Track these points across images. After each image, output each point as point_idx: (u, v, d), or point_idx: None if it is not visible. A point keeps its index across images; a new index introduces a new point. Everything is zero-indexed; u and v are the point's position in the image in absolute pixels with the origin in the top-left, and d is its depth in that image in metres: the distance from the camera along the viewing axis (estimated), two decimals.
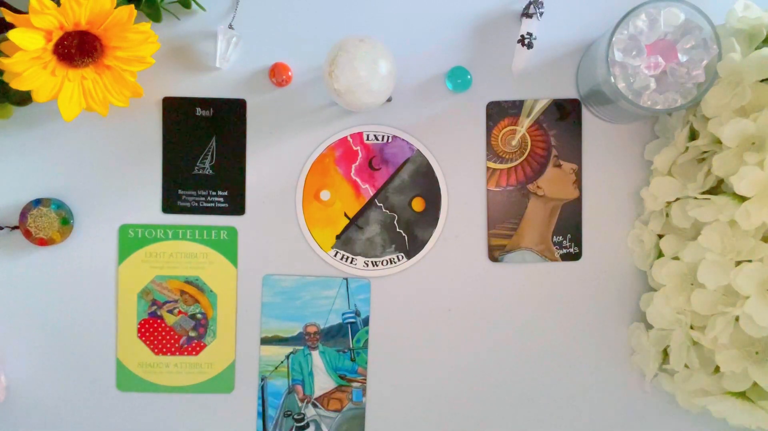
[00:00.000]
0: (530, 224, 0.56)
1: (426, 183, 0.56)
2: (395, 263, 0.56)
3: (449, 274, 0.56)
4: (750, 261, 0.45)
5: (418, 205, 0.56)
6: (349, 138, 0.56)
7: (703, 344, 0.48)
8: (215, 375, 0.57)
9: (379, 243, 0.56)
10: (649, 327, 0.54)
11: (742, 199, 0.45)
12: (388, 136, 0.56)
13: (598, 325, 0.57)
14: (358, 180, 0.56)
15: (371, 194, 0.56)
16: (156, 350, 0.57)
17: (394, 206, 0.56)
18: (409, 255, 0.56)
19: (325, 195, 0.56)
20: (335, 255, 0.56)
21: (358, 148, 0.56)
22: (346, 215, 0.56)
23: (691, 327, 0.49)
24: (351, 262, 0.56)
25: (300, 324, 0.57)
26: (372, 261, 0.56)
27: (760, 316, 0.44)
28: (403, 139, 0.56)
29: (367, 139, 0.56)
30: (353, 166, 0.56)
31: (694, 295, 0.48)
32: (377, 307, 0.57)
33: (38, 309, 0.56)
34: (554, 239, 0.56)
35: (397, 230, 0.56)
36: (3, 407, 0.57)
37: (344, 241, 0.56)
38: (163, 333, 0.57)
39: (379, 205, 0.56)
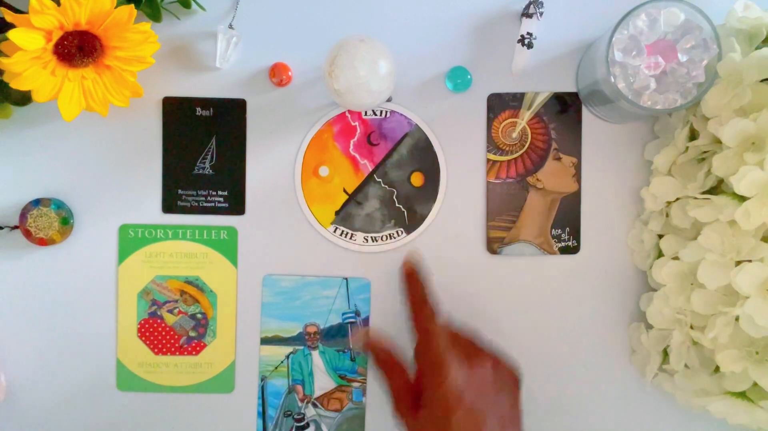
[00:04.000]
0: (529, 216, 0.56)
1: (425, 157, 0.56)
2: (395, 238, 0.56)
3: (448, 266, 0.56)
4: (750, 261, 0.45)
5: (417, 179, 0.56)
6: (347, 113, 0.56)
7: (703, 344, 0.48)
8: (215, 375, 0.57)
9: (379, 219, 0.56)
10: (649, 327, 0.54)
11: (742, 198, 0.45)
12: (386, 111, 0.56)
13: (597, 324, 0.57)
14: (356, 155, 0.56)
15: (370, 169, 0.56)
16: (156, 350, 0.57)
17: (393, 181, 0.56)
18: (409, 230, 0.56)
19: (323, 171, 0.56)
20: (335, 231, 0.56)
21: (357, 123, 0.56)
22: (345, 191, 0.56)
23: (691, 327, 0.49)
24: (350, 238, 0.56)
25: (300, 324, 0.57)
26: (371, 237, 0.56)
27: (760, 316, 0.44)
28: (401, 114, 0.56)
29: (365, 114, 0.56)
30: (351, 142, 0.56)
31: (694, 295, 0.48)
32: (377, 307, 0.57)
33: (38, 309, 0.56)
34: (553, 232, 0.56)
35: (396, 205, 0.56)
36: (3, 407, 0.57)
37: (343, 217, 0.56)
38: (163, 333, 0.57)
39: (378, 180, 0.56)
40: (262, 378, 0.57)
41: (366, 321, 0.57)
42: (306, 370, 0.57)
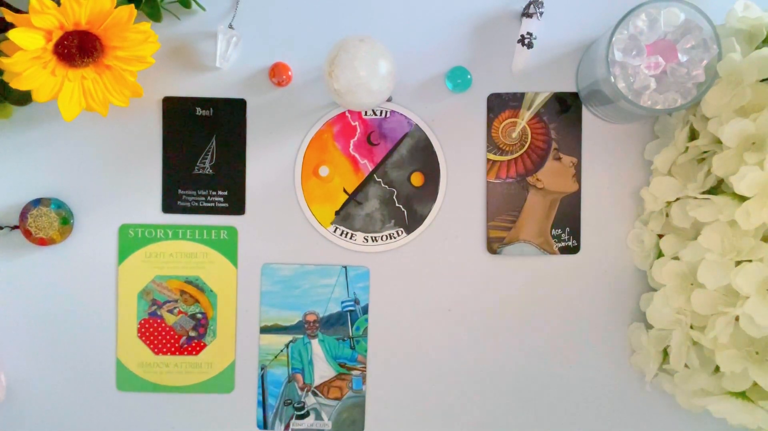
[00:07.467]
0: (529, 216, 0.56)
1: (425, 157, 0.56)
2: (395, 238, 0.56)
3: (447, 266, 0.56)
4: (750, 261, 0.45)
5: (417, 179, 0.56)
6: (347, 113, 0.56)
7: (703, 344, 0.48)
8: (215, 375, 0.57)
9: (379, 219, 0.56)
10: (649, 327, 0.54)
11: (742, 198, 0.45)
12: (386, 111, 0.56)
13: (597, 324, 0.57)
14: (356, 155, 0.56)
15: (370, 169, 0.56)
16: (156, 350, 0.57)
17: (393, 181, 0.56)
18: (409, 230, 0.56)
19: (323, 171, 0.56)
20: (335, 231, 0.56)
21: (357, 123, 0.56)
22: (345, 191, 0.56)
23: (691, 327, 0.49)
24: (350, 238, 0.56)
25: (299, 312, 0.57)
26: (371, 237, 0.56)
27: (760, 316, 0.44)
28: (401, 114, 0.56)
29: (365, 114, 0.56)
30: (351, 142, 0.56)
31: (694, 295, 0.48)
32: (376, 295, 0.57)
33: (38, 310, 0.56)
34: (553, 232, 0.56)
35: (396, 205, 0.56)
36: (3, 407, 0.57)
37: (343, 217, 0.56)
38: (163, 333, 0.57)
39: (378, 180, 0.56)
40: (262, 368, 0.57)
41: (365, 309, 0.57)
42: (306, 359, 0.57)
